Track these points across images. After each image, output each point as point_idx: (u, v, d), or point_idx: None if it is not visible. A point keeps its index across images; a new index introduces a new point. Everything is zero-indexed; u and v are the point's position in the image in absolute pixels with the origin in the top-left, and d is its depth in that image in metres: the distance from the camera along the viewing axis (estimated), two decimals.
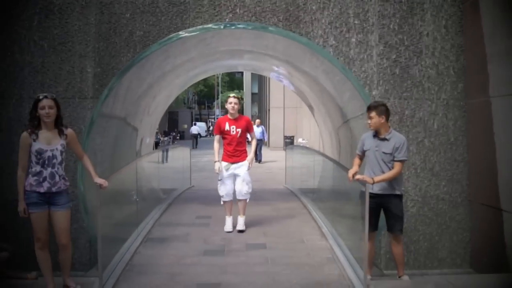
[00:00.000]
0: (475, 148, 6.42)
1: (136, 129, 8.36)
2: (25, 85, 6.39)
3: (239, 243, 5.94)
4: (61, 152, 4.09)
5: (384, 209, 4.85)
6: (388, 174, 4.72)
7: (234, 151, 6.22)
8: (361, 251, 4.52)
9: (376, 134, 4.82)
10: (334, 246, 5.67)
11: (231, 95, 6.37)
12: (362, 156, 4.96)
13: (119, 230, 5.82)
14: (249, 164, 6.28)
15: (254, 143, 6.50)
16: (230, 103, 6.24)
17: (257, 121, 19.48)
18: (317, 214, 7.25)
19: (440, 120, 6.52)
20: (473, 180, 6.49)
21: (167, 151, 10.92)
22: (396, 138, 4.88)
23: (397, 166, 4.76)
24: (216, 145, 6.25)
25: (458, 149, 6.54)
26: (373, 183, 4.63)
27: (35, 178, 4.01)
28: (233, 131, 6.22)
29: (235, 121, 6.24)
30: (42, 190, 4.01)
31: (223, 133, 6.26)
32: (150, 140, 10.17)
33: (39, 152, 4.00)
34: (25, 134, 4.02)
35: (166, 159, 10.57)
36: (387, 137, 4.81)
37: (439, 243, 6.57)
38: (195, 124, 40.15)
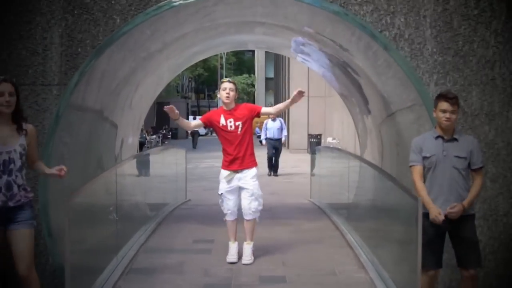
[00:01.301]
0: None
1: (115, 126, 8.38)
2: None
3: (250, 276, 5.92)
4: (21, 155, 4.09)
5: (452, 235, 4.79)
6: (476, 190, 4.76)
7: (237, 155, 6.11)
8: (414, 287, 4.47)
9: (440, 135, 4.77)
10: (376, 280, 5.63)
11: (225, 79, 6.34)
12: (423, 167, 4.87)
13: (93, 258, 5.81)
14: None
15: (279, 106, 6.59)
16: (224, 89, 6.14)
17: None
18: (353, 237, 7.21)
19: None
20: None
21: (146, 158, 9.82)
22: (466, 137, 4.87)
23: (479, 176, 4.79)
24: (191, 122, 6.48)
25: None
26: (464, 209, 4.65)
27: None
28: (231, 127, 6.10)
29: (231, 113, 6.15)
30: None
31: (217, 129, 6.21)
32: (133, 140, 10.19)
33: None
34: None
35: (146, 171, 9.60)
36: (456, 137, 4.77)
37: None
38: (194, 119, 40.23)
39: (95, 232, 6.15)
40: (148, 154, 10.16)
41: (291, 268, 6.18)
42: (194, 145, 33.96)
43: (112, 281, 5.62)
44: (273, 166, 16.85)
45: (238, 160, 6.14)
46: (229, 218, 6.31)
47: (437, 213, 4.60)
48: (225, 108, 6.19)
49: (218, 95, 6.32)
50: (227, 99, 6.12)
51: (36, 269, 6.37)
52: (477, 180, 4.78)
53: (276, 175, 16.66)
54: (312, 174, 12.51)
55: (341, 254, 6.74)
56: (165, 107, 6.09)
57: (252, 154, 6.25)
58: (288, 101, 6.25)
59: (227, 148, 6.17)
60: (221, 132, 6.17)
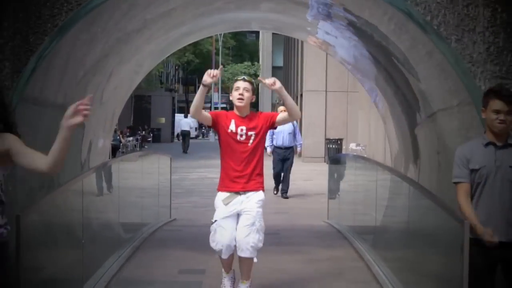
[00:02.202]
0: None
1: (82, 125, 8.39)
2: None
3: None
4: None
5: (506, 267, 4.78)
6: None
7: (242, 172, 6.03)
8: None
9: (491, 141, 4.76)
10: None
11: (240, 77, 6.22)
12: (470, 185, 4.85)
13: None
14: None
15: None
16: (237, 88, 6.06)
17: (282, 109, 16.39)
18: (382, 270, 7.22)
19: None
20: None
21: (107, 171, 9.10)
22: None
23: None
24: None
25: None
26: None
27: None
28: (241, 136, 6.03)
29: (245, 120, 6.10)
30: None
31: (222, 135, 6.11)
32: (104, 143, 10.20)
33: None
34: None
35: (108, 187, 9.04)
36: (511, 142, 4.76)
37: None
38: (186, 117, 40.27)
39: (55, 258, 6.15)
40: (110, 166, 9.20)
41: None
42: (185, 149, 34.07)
43: None
44: (280, 183, 15.24)
45: (242, 179, 6.03)
46: (224, 256, 6.08)
47: (490, 235, 4.57)
48: (237, 113, 6.11)
49: (231, 97, 6.21)
50: (240, 102, 6.03)
51: None
52: None
53: (286, 197, 15.04)
54: (331, 197, 12.21)
55: None
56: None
57: (261, 174, 6.16)
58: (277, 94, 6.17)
59: (231, 162, 6.05)
60: (228, 139, 6.05)
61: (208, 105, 57.91)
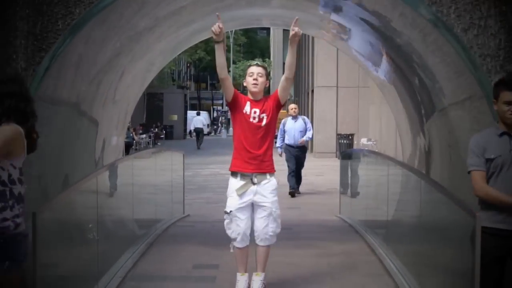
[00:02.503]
0: None
1: (96, 123, 8.44)
2: None
3: None
4: None
5: None
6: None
7: (256, 152, 6.07)
8: None
9: (505, 131, 4.74)
10: None
11: (253, 62, 6.32)
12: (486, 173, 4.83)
13: (68, 286, 5.86)
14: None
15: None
16: (251, 74, 6.15)
17: (292, 107, 14.91)
18: (393, 263, 7.22)
19: None
20: None
21: (112, 171, 8.45)
22: None
23: None
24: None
25: None
26: None
27: None
28: (254, 117, 6.09)
29: (258, 103, 6.15)
30: None
31: (237, 115, 6.15)
32: (118, 141, 10.24)
33: None
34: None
35: (113, 187, 8.70)
36: None
37: None
38: (198, 114, 40.66)
39: (71, 254, 6.19)
40: (116, 167, 8.61)
41: None
42: (199, 145, 34.37)
43: None
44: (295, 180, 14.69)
45: (256, 160, 6.06)
46: (239, 245, 6.12)
47: None
48: (251, 97, 6.17)
49: (244, 83, 6.27)
50: (254, 87, 6.11)
51: None
52: None
53: (299, 193, 14.70)
54: (343, 192, 12.12)
55: (378, 284, 6.77)
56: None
57: (272, 155, 6.22)
58: (289, 47, 6.21)
59: (244, 142, 6.08)
60: (242, 120, 6.10)
61: (220, 102, 57.86)
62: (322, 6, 8.64)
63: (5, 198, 4.01)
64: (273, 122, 6.19)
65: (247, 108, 6.09)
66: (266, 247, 6.20)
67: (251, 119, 6.08)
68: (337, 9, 8.43)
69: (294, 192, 14.38)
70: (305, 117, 15.12)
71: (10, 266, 3.99)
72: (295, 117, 14.29)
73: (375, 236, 8.67)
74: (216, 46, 6.00)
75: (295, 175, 14.51)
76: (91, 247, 6.52)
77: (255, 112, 6.07)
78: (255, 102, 6.13)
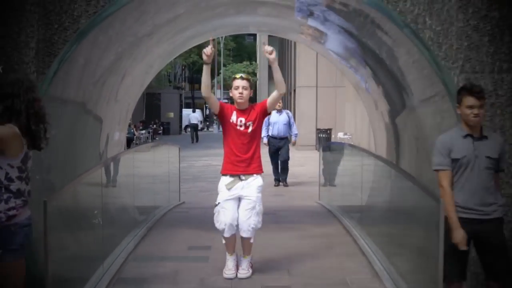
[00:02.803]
0: None
1: (100, 120, 8.41)
2: None
3: (252, 286, 5.96)
4: None
5: (478, 242, 4.79)
6: None
7: (244, 155, 6.09)
8: None
9: (468, 133, 4.77)
10: None
11: (238, 75, 6.22)
12: (452, 173, 4.85)
13: (76, 266, 5.86)
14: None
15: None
16: (237, 87, 6.08)
17: (278, 104, 13.48)
18: (367, 243, 7.24)
19: None
20: None
21: (114, 164, 8.48)
22: (494, 136, 4.89)
23: (497, 179, 4.82)
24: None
25: None
26: None
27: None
28: (240, 125, 6.10)
29: (244, 112, 6.13)
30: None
31: (225, 124, 6.15)
32: (120, 136, 10.21)
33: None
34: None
35: (112, 180, 8.42)
36: (486, 134, 4.78)
37: None
38: (194, 111, 41.16)
39: (78, 238, 6.19)
40: (116, 160, 8.63)
41: (298, 278, 6.21)
42: (195, 139, 35.04)
43: None
44: (280, 172, 14.13)
45: (243, 163, 6.09)
46: (226, 234, 6.12)
47: (462, 238, 4.57)
48: (237, 107, 6.15)
49: (231, 94, 6.24)
50: (240, 99, 6.07)
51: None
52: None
53: (286, 185, 14.10)
54: (325, 184, 11.91)
55: (353, 262, 6.78)
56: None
57: (259, 157, 6.23)
58: (272, 67, 6.18)
59: (233, 148, 6.11)
60: (230, 128, 6.11)
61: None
62: (297, 12, 8.62)
63: (8, 193, 3.97)
64: (259, 128, 6.21)
65: (233, 118, 6.09)
66: (249, 239, 6.20)
67: (238, 127, 6.09)
68: (311, 14, 8.40)
69: (278, 183, 14.08)
70: (288, 111, 14.46)
71: (3, 254, 3.94)
72: (279, 111, 13.69)
73: (350, 220, 8.69)
74: (205, 67, 5.98)
75: (283, 167, 14.04)
76: (96, 231, 6.52)
77: (241, 121, 6.08)
78: (241, 111, 6.12)
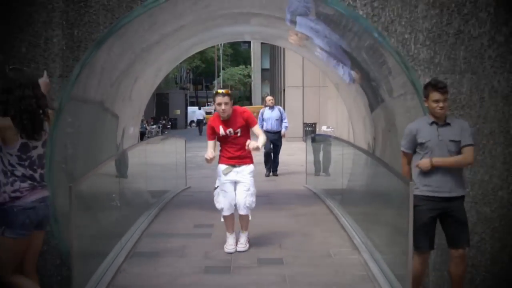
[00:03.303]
0: None
1: (116, 117, 8.39)
2: None
3: (249, 258, 5.98)
4: None
5: (443, 216, 4.83)
6: (455, 159, 4.72)
7: (236, 154, 6.12)
8: (405, 268, 4.51)
9: (434, 121, 4.79)
10: (369, 261, 5.68)
11: (219, 90, 6.06)
12: (412, 155, 4.90)
13: (98, 242, 5.87)
14: (258, 145, 5.92)
15: (261, 138, 6.11)
16: (219, 104, 5.95)
17: (269, 99, 13.72)
18: (347, 221, 7.26)
19: (504, 100, 6.45)
20: None
21: (123, 159, 7.88)
22: (457, 121, 4.90)
23: (470, 152, 4.71)
24: (210, 150, 6.08)
25: None
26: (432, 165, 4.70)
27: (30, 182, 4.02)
28: (230, 133, 6.09)
29: (229, 122, 6.07)
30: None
31: (218, 136, 6.16)
32: (134, 130, 10.19)
33: None
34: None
35: (124, 172, 7.83)
36: (449, 121, 4.80)
37: (505, 257, 6.51)
38: (199, 109, 42.42)
39: (100, 217, 6.19)
40: (125, 155, 8.12)
41: (288, 251, 6.24)
42: (200, 132, 35.57)
43: (116, 264, 5.68)
44: (272, 164, 13.41)
45: (237, 158, 6.12)
46: (225, 213, 6.16)
47: (424, 163, 4.72)
48: (222, 118, 6.08)
49: (213, 107, 6.20)
50: (223, 113, 6.00)
51: (45, 254, 6.47)
52: (463, 154, 4.74)
53: (276, 175, 13.40)
54: (317, 174, 11.57)
55: (335, 237, 6.80)
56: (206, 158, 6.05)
57: (250, 152, 6.20)
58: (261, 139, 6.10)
59: (228, 148, 6.14)
60: (221, 138, 6.14)
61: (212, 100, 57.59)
62: (287, 20, 8.59)
63: (6, 177, 3.95)
64: (246, 130, 6.12)
65: (221, 131, 6.07)
66: (246, 216, 6.24)
67: (228, 136, 6.08)
68: (294, 23, 8.36)
69: (269, 175, 13.27)
70: (280, 108, 13.62)
71: (4, 230, 3.94)
72: (271, 107, 13.06)
73: (333, 201, 8.70)
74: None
75: (273, 160, 13.33)
76: (114, 212, 6.52)
77: (229, 131, 6.06)
78: (226, 122, 6.06)
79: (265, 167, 13.35)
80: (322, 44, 9.24)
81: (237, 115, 6.09)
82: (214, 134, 6.15)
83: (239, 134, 6.09)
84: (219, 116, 6.09)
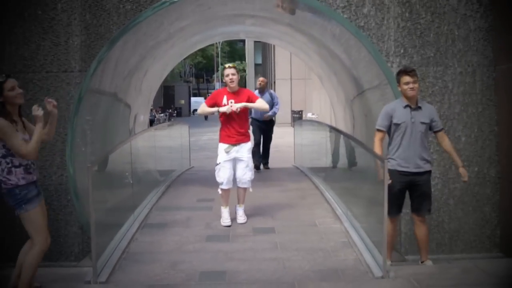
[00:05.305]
0: (506, 120, 6.35)
1: (129, 106, 8.33)
2: (4, 59, 6.34)
3: (245, 228, 5.98)
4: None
5: (411, 188, 4.85)
6: (451, 147, 4.93)
7: (236, 130, 5.94)
8: (380, 234, 4.52)
9: (407, 104, 4.78)
10: (350, 229, 5.69)
11: (227, 65, 6.03)
12: (386, 132, 4.89)
13: (113, 215, 5.84)
14: (237, 108, 5.81)
15: (259, 101, 6.00)
16: (227, 75, 5.90)
17: (260, 80, 10.14)
18: (330, 194, 7.26)
19: (466, 89, 6.44)
20: (504, 155, 6.44)
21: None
22: (427, 105, 4.92)
23: (445, 137, 4.93)
24: (204, 108, 5.97)
25: (486, 121, 6.48)
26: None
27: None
28: (231, 104, 5.90)
29: (234, 95, 5.94)
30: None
31: (219, 106, 5.95)
32: (144, 118, 10.14)
33: None
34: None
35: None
36: (420, 105, 4.80)
37: (466, 225, 6.56)
38: (205, 99, 41.52)
39: (115, 193, 6.16)
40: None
41: (279, 221, 6.25)
42: (206, 118, 34.47)
43: (130, 234, 5.67)
44: (261, 155, 10.32)
45: (236, 135, 5.95)
46: (224, 187, 6.03)
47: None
48: (229, 90, 5.97)
49: (224, 79, 6.00)
50: (231, 83, 5.90)
51: (67, 226, 6.45)
52: (446, 139, 4.94)
53: (267, 168, 10.52)
54: (295, 144, 11.86)
55: (320, 209, 6.80)
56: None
57: (248, 130, 6.12)
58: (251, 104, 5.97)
59: (227, 125, 5.95)
60: (224, 116, 5.92)
61: (212, 91, 57.42)
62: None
63: (3, 165, 3.85)
64: (246, 109, 5.98)
65: (224, 101, 5.92)
66: (244, 189, 6.18)
67: (228, 104, 5.89)
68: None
69: (258, 165, 10.06)
70: (272, 92, 10.22)
71: (23, 208, 3.88)
72: (262, 91, 9.80)
73: (318, 177, 8.70)
74: (215, 110, 5.92)
75: (263, 150, 10.34)
76: (128, 188, 6.50)
77: (231, 102, 5.89)
78: (231, 94, 5.94)
79: (252, 158, 10.09)
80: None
81: (243, 92, 6.00)
82: (213, 103, 5.96)
83: (238, 111, 5.85)
84: (226, 89, 5.99)
